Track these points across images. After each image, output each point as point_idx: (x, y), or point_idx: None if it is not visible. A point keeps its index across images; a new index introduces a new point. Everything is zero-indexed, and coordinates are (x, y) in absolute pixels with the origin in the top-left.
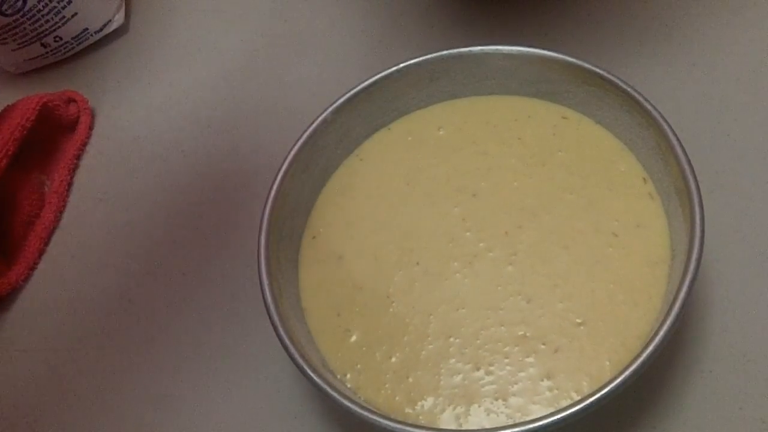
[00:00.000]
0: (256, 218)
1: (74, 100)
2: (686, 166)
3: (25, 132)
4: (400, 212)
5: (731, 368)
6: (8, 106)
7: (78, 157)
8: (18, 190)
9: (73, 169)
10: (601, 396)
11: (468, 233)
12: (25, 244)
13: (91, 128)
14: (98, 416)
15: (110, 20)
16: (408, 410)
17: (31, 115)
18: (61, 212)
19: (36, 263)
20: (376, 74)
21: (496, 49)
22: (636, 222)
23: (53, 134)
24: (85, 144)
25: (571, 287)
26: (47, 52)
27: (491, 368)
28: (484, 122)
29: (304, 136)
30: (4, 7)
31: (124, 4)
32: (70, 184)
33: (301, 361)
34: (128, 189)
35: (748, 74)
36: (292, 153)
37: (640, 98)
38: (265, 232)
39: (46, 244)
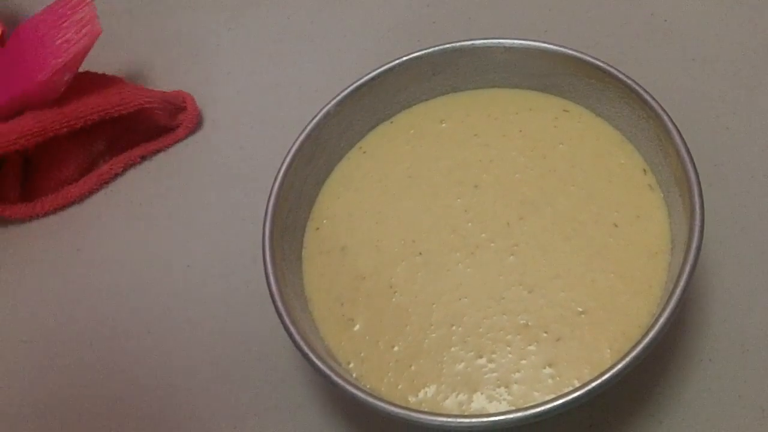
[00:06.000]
0: (260, 210)
1: (185, 108)
2: (686, 157)
3: (103, 117)
4: (403, 204)
5: (730, 357)
6: (114, 78)
7: (142, 157)
8: (72, 154)
9: (129, 165)
10: (602, 383)
11: (470, 224)
12: (48, 195)
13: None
14: (100, 408)
15: None
16: (411, 398)
17: (122, 110)
18: (90, 194)
19: (46, 215)
20: (378, 67)
21: (498, 43)
22: (636, 213)
23: (136, 128)
24: (156, 151)
25: (572, 277)
26: None
27: (493, 356)
28: (486, 115)
29: (307, 128)
30: None
31: None
32: (116, 175)
33: (306, 349)
34: (140, 187)
35: (747, 69)
36: (296, 146)
37: (641, 90)
38: (270, 223)
39: (63, 209)
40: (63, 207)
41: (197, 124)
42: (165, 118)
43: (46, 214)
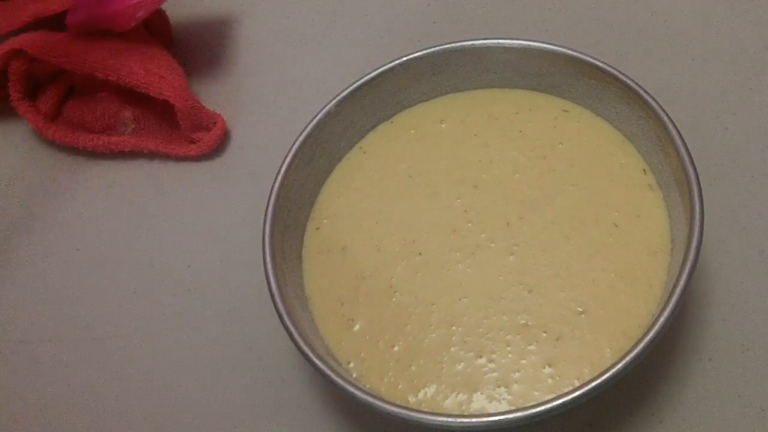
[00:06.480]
0: (260, 210)
1: (209, 129)
2: (686, 156)
3: (132, 87)
4: (403, 204)
5: (730, 356)
6: (171, 61)
7: (151, 152)
8: (101, 104)
9: (138, 152)
10: (602, 382)
11: (470, 224)
12: (65, 128)
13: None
14: (99, 407)
15: None
16: (411, 398)
17: (149, 91)
18: (94, 151)
19: (61, 145)
20: (379, 67)
21: (498, 43)
22: (636, 212)
23: (161, 117)
24: (166, 156)
25: (572, 277)
26: None
27: (493, 356)
28: (486, 115)
29: (308, 128)
30: None
31: None
32: (122, 151)
33: (306, 348)
34: (141, 185)
35: (747, 69)
36: (296, 145)
37: (640, 90)
38: (270, 223)
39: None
40: (73, 147)
41: (213, 149)
42: (185, 125)
43: (61, 145)
